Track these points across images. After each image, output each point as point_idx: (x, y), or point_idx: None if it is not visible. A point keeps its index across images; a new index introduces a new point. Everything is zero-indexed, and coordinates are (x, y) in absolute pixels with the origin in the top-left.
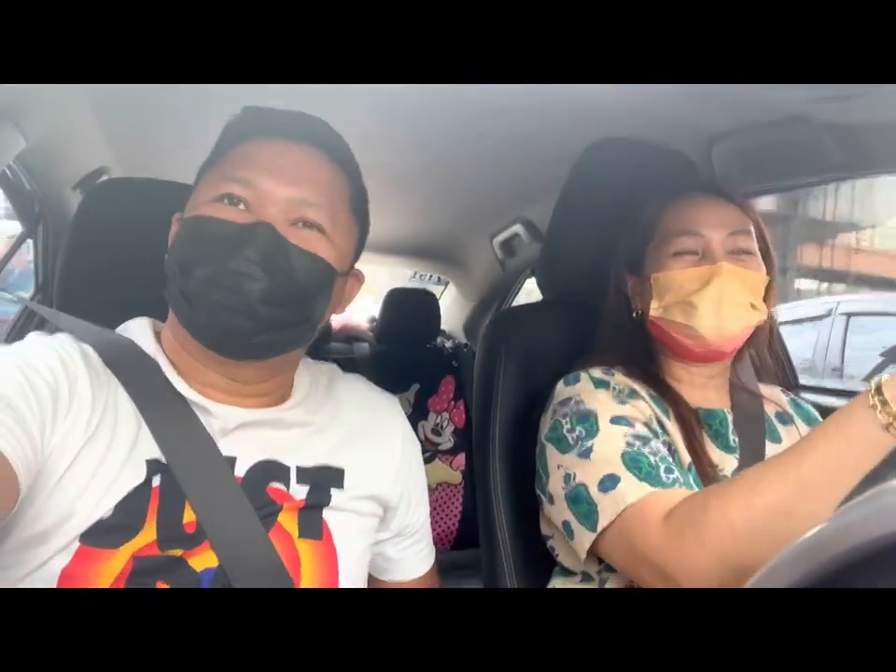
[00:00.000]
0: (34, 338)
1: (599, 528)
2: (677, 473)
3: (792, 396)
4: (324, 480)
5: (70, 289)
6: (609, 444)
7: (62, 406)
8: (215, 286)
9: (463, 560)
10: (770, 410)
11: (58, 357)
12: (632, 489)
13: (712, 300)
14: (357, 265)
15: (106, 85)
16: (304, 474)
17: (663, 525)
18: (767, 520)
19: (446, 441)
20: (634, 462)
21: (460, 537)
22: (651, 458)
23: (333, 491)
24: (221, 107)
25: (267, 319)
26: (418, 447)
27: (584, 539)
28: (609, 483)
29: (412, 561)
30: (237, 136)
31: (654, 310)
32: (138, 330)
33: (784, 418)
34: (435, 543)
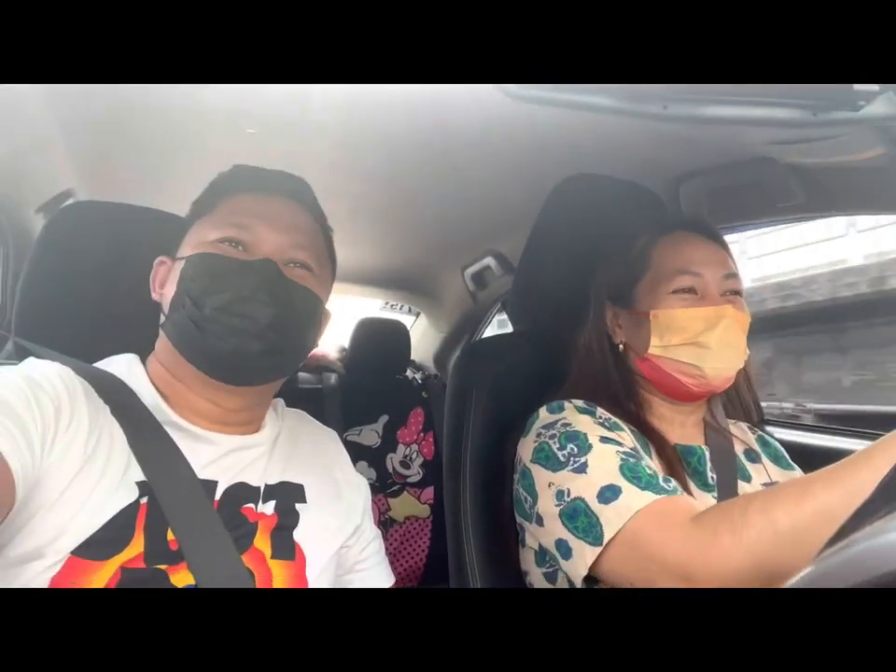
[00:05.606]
0: (33, 361)
1: (605, 540)
2: (675, 483)
3: (759, 433)
4: (287, 495)
5: (29, 315)
6: (605, 459)
7: (63, 420)
8: (230, 313)
9: None
10: (739, 448)
11: (59, 376)
12: (637, 498)
13: (720, 341)
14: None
15: (74, 106)
16: (270, 491)
17: (690, 525)
18: (813, 522)
19: (415, 474)
20: (632, 472)
21: (428, 572)
22: (648, 469)
23: (298, 507)
24: (188, 130)
25: (273, 343)
26: (357, 474)
27: (586, 553)
28: (609, 493)
29: (376, 581)
30: (228, 189)
31: (655, 347)
32: (128, 365)
33: (752, 456)
34: (403, 579)
